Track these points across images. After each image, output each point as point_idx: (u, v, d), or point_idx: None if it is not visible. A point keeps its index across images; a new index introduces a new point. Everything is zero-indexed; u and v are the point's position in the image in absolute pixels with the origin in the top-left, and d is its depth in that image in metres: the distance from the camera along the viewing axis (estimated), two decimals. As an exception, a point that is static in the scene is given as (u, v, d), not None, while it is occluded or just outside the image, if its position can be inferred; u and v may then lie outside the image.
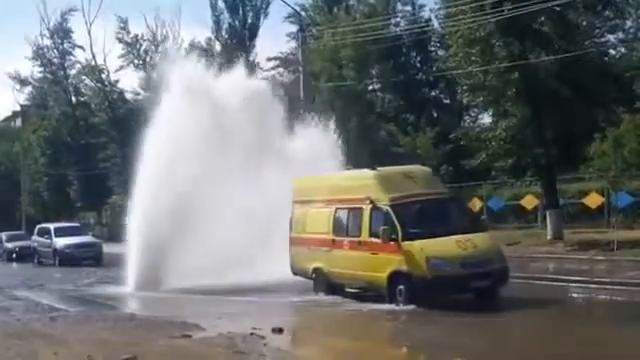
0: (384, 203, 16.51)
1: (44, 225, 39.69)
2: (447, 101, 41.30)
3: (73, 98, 60.12)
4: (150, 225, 22.75)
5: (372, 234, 16.57)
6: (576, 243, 24.28)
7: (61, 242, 35.79)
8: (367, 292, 17.27)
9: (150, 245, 22.45)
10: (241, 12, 53.98)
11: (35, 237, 39.02)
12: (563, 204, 27.76)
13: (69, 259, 34.48)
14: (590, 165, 26.66)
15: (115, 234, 38.24)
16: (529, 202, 28.35)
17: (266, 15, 54.39)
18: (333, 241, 17.89)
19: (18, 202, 62.32)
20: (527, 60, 25.48)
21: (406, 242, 15.82)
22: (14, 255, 41.01)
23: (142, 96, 55.76)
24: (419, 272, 15.56)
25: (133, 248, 23.28)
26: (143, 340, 13.38)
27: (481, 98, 28.16)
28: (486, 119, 34.45)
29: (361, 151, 33.54)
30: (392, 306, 15.98)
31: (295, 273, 19.48)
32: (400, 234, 15.91)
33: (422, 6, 41.22)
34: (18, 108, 67.75)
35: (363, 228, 16.91)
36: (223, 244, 21.79)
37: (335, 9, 41.57)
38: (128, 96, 57.41)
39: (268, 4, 53.81)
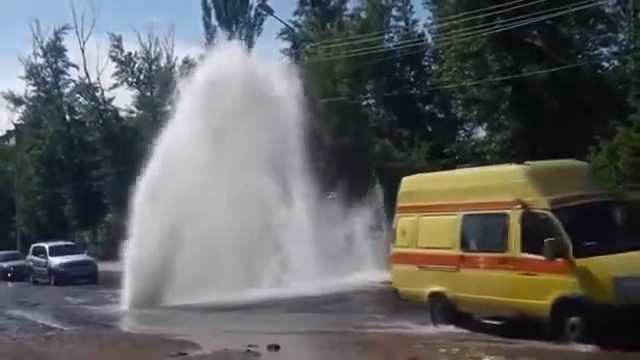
0: (542, 207, 12.95)
1: (39, 244, 39.47)
2: (441, 115, 41.23)
3: (67, 117, 60.02)
4: (147, 242, 22.70)
5: (525, 249, 13.00)
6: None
7: (56, 261, 35.66)
8: (500, 322, 13.68)
9: (147, 262, 22.39)
10: (234, 29, 54.06)
11: (30, 256, 38.89)
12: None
13: (64, 278, 34.36)
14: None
15: (110, 252, 38.09)
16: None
17: (259, 32, 54.54)
18: (461, 258, 14.19)
19: (13, 221, 62.09)
20: (520, 74, 25.57)
21: (581, 259, 12.27)
22: (9, 274, 40.83)
23: (136, 114, 55.91)
24: (602, 298, 11.91)
25: (129, 265, 23.20)
26: (138, 359, 13.30)
27: (475, 112, 28.25)
28: (481, 133, 34.48)
29: (356, 166, 33.54)
30: (560, 345, 12.20)
31: (402, 298, 15.98)
32: (571, 248, 12.38)
33: (415, 21, 41.24)
34: (12, 127, 67.65)
35: (511, 241, 13.25)
36: (221, 260, 21.75)
37: (328, 25, 41.64)
38: (122, 114, 57.48)
39: (261, 21, 53.88)
